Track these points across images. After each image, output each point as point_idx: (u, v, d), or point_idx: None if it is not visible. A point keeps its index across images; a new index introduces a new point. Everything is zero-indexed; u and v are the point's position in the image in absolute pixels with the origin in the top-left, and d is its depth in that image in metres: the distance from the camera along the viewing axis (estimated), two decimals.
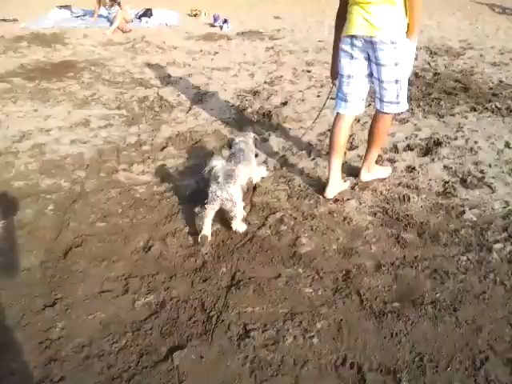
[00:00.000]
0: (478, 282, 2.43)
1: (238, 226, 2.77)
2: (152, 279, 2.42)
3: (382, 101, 3.02)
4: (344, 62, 2.95)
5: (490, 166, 3.55)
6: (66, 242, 2.70)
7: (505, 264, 2.56)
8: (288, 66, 6.16)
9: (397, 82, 2.90)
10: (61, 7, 9.46)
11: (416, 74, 5.72)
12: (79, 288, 2.36)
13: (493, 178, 3.38)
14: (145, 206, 3.04)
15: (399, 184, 3.32)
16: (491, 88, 5.24)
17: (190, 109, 4.65)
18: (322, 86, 5.34)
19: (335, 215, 2.98)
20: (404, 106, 3.05)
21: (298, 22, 9.10)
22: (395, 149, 3.83)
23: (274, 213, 2.98)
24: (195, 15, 9.60)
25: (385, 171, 3.42)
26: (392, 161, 3.65)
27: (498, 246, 2.69)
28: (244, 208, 2.86)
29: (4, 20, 8.70)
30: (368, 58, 2.89)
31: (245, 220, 2.84)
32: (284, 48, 7.06)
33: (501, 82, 5.49)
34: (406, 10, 2.74)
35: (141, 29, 8.39)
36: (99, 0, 8.84)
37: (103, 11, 8.99)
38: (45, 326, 2.14)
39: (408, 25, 2.78)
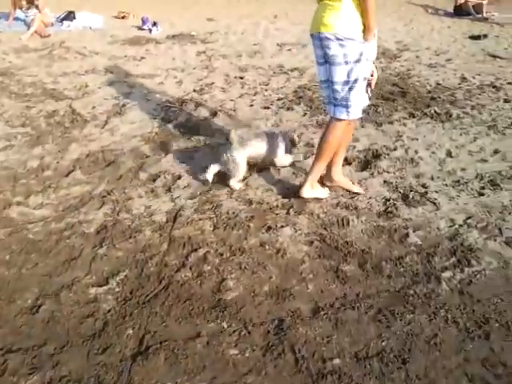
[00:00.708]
0: (428, 321, 2.12)
1: (234, 183, 3.12)
2: (38, 352, 1.92)
3: (330, 103, 2.81)
4: (317, 66, 2.90)
5: (432, 178, 3.30)
6: None
7: (456, 296, 2.27)
8: (220, 71, 5.75)
9: (346, 83, 2.67)
10: None
11: None
12: None
13: (436, 192, 3.13)
14: (38, 251, 2.52)
15: (337, 205, 2.98)
16: (429, 91, 5.08)
17: (105, 123, 4.12)
18: (255, 94, 4.97)
19: (267, 247, 2.60)
20: (355, 113, 2.78)
21: (233, 24, 8.73)
22: None
23: (196, 249, 2.55)
24: (123, 17, 9.00)
25: (324, 191, 3.08)
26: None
27: (446, 274, 2.40)
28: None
29: None
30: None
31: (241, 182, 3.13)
32: (216, 52, 6.64)
33: (438, 84, 5.35)
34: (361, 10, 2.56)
35: (62, 33, 7.70)
36: (14, 2, 8.02)
37: (20, 14, 8.18)
38: None
39: (364, 25, 2.59)
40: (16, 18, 8.15)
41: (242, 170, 3.12)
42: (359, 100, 2.77)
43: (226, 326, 2.08)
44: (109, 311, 2.14)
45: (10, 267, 2.39)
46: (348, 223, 2.80)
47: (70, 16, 8.25)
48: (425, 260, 2.50)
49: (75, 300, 2.21)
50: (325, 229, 2.76)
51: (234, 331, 2.05)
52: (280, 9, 10.20)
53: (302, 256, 2.53)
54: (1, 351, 1.93)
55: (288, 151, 3.38)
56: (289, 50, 6.88)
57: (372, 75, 2.88)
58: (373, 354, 1.96)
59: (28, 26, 7.64)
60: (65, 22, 8.13)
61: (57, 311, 2.13)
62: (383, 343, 2.00)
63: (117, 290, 2.27)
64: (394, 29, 8.49)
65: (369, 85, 2.87)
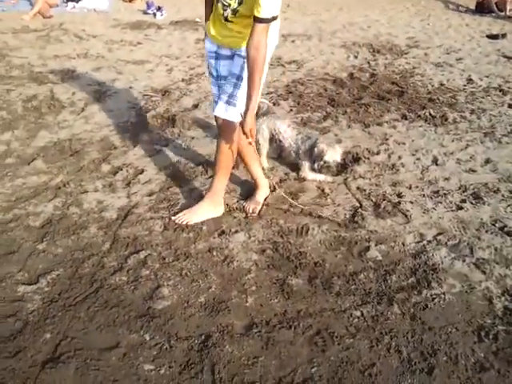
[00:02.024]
0: (369, 348, 1.95)
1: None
2: None
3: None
4: None
5: (410, 187, 3.10)
6: None
7: (406, 321, 2.09)
8: None
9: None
10: None
11: (351, 75, 5.26)
12: None
13: (411, 202, 2.93)
14: None
15: (301, 211, 2.82)
16: (429, 92, 4.82)
17: (82, 110, 4.01)
18: None
19: (215, 253, 2.45)
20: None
21: None
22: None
23: (138, 251, 2.42)
24: (131, 1, 8.86)
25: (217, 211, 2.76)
26: (300, 180, 3.15)
27: (401, 295, 2.22)
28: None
29: None
30: None
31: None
32: None
33: (441, 84, 5.08)
34: None
35: (65, 15, 7.61)
36: None
37: None
38: None
39: None
40: None
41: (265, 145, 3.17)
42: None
43: (148, 338, 1.95)
44: (31, 312, 2.04)
45: None
46: (307, 232, 2.63)
47: None
48: (381, 278, 2.32)
49: (1, 297, 2.11)
50: (281, 236, 2.60)
51: (156, 344, 1.92)
52: None
53: (249, 265, 2.38)
54: None
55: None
56: (292, 41, 6.65)
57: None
58: (299, 381, 1.80)
59: (33, 5, 7.57)
60: (70, 3, 8.04)
61: None
62: (313, 369, 1.85)
63: (46, 289, 2.17)
64: (409, 24, 8.15)
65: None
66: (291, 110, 4.27)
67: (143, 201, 2.84)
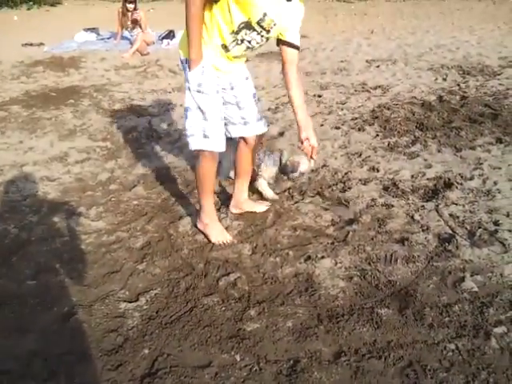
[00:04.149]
0: (464, 383, 1.86)
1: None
2: (59, 360, 2.03)
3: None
4: None
5: (507, 215, 2.92)
6: None
7: (505, 357, 1.95)
8: None
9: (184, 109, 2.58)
10: (87, 30, 9.53)
11: (440, 98, 5.10)
12: None
13: (509, 231, 2.75)
14: (85, 261, 2.68)
15: (389, 239, 2.77)
16: None
17: (177, 140, 4.30)
18: (329, 113, 4.85)
19: (301, 279, 2.48)
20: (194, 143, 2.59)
21: (325, 40, 8.64)
22: (395, 191, 3.27)
23: (228, 273, 2.52)
24: None
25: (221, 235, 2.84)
26: (388, 206, 3.10)
27: (499, 329, 2.08)
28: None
29: (30, 44, 8.85)
30: None
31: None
32: (301, 70, 6.57)
33: None
34: None
35: (160, 51, 8.24)
36: (121, 23, 8.80)
37: (126, 34, 8.97)
38: None
39: None
40: (123, 38, 8.93)
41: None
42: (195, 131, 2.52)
43: (238, 359, 2.01)
44: (131, 328, 2.20)
45: (57, 275, 2.57)
46: (396, 260, 2.58)
47: (169, 35, 8.80)
48: (477, 311, 2.20)
49: (105, 313, 2.30)
50: (369, 264, 2.57)
51: (246, 366, 1.98)
52: (378, 24, 9.89)
53: (336, 292, 2.38)
54: (29, 354, 2.07)
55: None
56: (377, 66, 6.61)
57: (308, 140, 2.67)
58: None
59: (132, 44, 8.30)
60: (164, 40, 8.69)
61: (86, 322, 2.24)
62: None
63: (145, 307, 2.32)
64: (501, 43, 7.75)
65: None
66: (377, 135, 4.23)
67: (233, 225, 2.96)
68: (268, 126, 2.98)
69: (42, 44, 8.89)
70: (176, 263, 2.63)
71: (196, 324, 2.21)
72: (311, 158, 2.70)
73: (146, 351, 2.07)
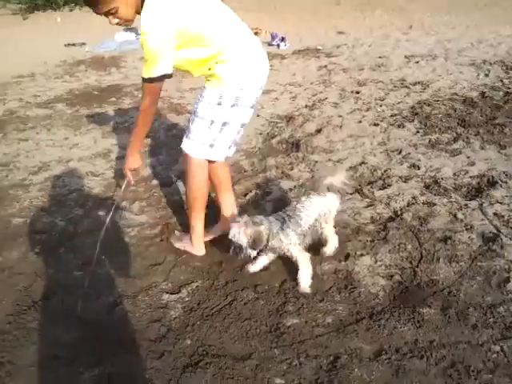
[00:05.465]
0: None
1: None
2: (105, 347, 2.11)
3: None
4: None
5: None
6: (36, 293, 2.48)
7: None
8: (337, 86, 5.66)
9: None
10: (127, 29, 9.73)
11: (483, 94, 4.95)
12: (29, 351, 2.11)
13: None
14: (129, 253, 2.76)
15: (431, 237, 2.72)
16: None
17: None
18: (367, 110, 4.79)
19: (340, 275, 2.48)
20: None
21: (362, 36, 8.50)
22: (437, 189, 3.21)
23: (267, 268, 2.54)
24: (256, 34, 9.35)
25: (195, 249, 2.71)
26: (430, 204, 3.04)
27: None
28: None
29: (73, 45, 9.13)
30: None
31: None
32: (338, 66, 6.55)
33: None
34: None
35: None
36: None
37: None
38: None
39: None
40: None
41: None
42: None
43: (277, 353, 2.03)
44: (174, 319, 2.26)
45: (103, 266, 2.66)
46: (439, 259, 2.53)
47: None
48: None
49: (148, 304, 2.37)
50: (410, 262, 2.54)
51: (286, 359, 2.00)
52: (416, 18, 9.66)
53: (376, 290, 2.36)
54: (76, 340, 2.16)
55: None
56: (416, 62, 6.47)
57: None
58: None
59: None
60: None
61: (130, 312, 2.31)
62: None
63: (186, 299, 2.38)
64: None
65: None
66: (417, 131, 4.15)
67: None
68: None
69: (83, 44, 9.14)
70: (216, 257, 2.67)
71: (236, 317, 2.24)
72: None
73: (188, 342, 2.12)
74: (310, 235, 2.40)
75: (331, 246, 2.58)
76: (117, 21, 2.28)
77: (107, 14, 2.22)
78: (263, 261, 2.49)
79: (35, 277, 2.60)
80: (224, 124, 2.43)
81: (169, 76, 2.23)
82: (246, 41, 2.38)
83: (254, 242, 2.19)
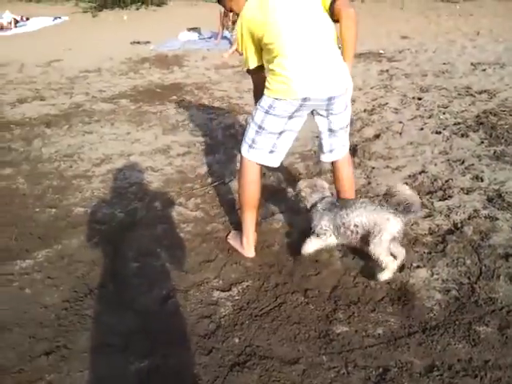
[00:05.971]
0: None
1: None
2: (156, 340, 2.17)
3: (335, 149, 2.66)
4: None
5: None
6: (93, 281, 2.60)
7: None
8: (398, 91, 5.53)
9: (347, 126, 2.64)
10: (190, 29, 10.00)
11: None
12: (83, 337, 2.21)
13: None
14: (184, 248, 2.83)
15: (492, 253, 2.60)
16: None
17: None
18: (429, 117, 4.64)
19: (393, 286, 2.42)
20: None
21: (427, 41, 8.26)
22: (500, 203, 3.05)
23: (318, 273, 2.53)
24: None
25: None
26: (492, 218, 2.90)
27: None
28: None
29: (138, 42, 9.49)
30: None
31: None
32: (400, 71, 6.39)
33: None
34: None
35: None
36: (222, 23, 9.13)
37: (226, 33, 9.29)
38: (33, 376, 2.02)
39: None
40: (223, 37, 9.25)
41: None
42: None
43: (325, 360, 2.02)
44: (223, 316, 2.29)
45: (158, 259, 2.74)
46: (498, 277, 2.41)
47: None
48: None
49: (199, 299, 2.42)
50: (468, 278, 2.44)
51: (334, 367, 1.98)
52: (484, 25, 9.25)
53: (431, 304, 2.29)
54: (129, 330, 2.23)
55: None
56: (483, 70, 6.20)
57: None
58: None
59: (231, 44, 8.56)
60: None
61: (182, 306, 2.37)
62: None
63: (236, 297, 2.41)
64: None
65: None
66: (482, 142, 3.97)
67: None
68: None
69: (148, 42, 9.49)
70: (267, 258, 2.69)
71: (285, 320, 2.25)
72: None
73: (237, 340, 2.15)
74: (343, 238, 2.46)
75: (381, 270, 2.39)
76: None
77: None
78: (316, 243, 2.50)
79: (93, 265, 2.72)
80: (281, 132, 2.49)
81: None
82: (306, 53, 2.32)
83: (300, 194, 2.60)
